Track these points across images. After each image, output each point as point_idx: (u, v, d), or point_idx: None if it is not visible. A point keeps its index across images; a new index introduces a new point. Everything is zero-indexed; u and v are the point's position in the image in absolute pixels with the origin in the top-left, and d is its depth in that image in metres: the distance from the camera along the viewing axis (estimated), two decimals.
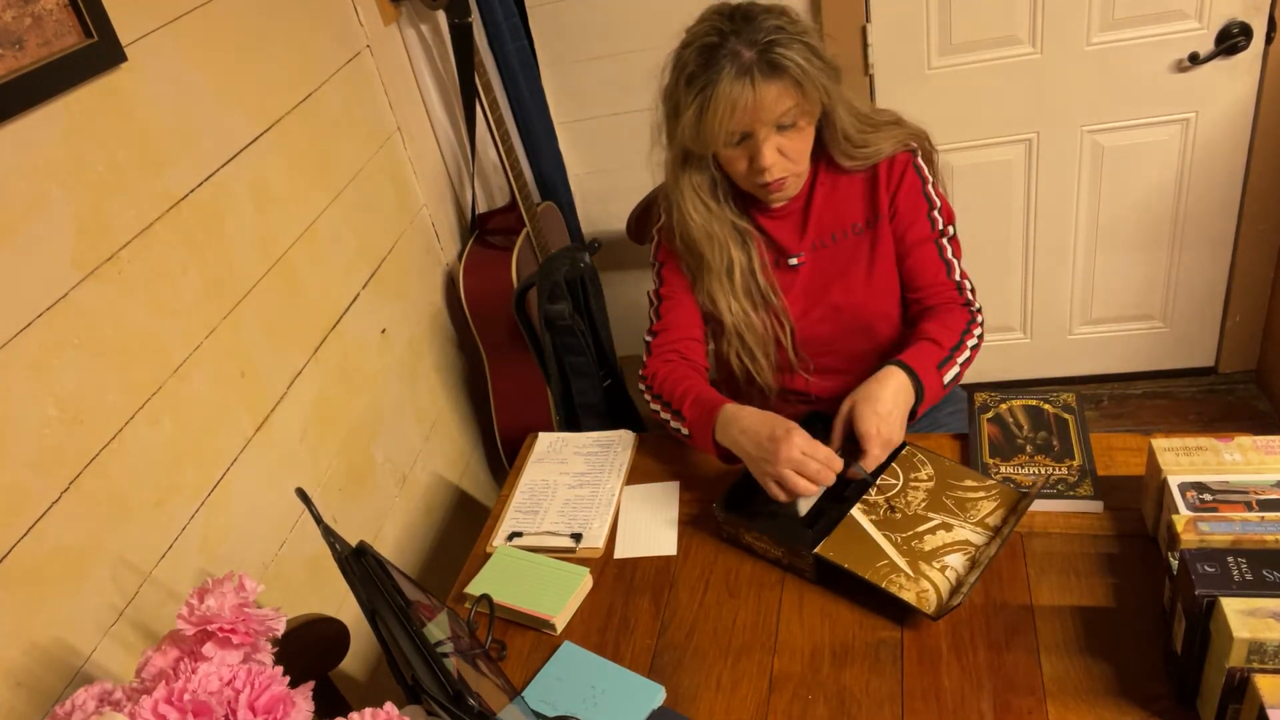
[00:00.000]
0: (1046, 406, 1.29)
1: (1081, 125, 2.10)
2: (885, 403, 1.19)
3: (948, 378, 1.28)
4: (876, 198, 1.36)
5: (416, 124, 1.97)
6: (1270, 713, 0.78)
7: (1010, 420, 1.28)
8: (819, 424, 1.33)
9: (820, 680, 1.03)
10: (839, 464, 1.15)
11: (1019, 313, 2.39)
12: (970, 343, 1.31)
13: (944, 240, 1.37)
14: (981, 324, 1.35)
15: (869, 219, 1.37)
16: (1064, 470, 1.18)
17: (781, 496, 1.16)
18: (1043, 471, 1.19)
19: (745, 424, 1.21)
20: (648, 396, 1.41)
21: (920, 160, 1.36)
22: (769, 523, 1.19)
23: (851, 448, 1.20)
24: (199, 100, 1.33)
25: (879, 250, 1.38)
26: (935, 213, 1.36)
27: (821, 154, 1.36)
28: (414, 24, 1.98)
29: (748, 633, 1.10)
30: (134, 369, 1.18)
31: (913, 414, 1.24)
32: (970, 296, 1.37)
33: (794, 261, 1.39)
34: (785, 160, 1.26)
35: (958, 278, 1.37)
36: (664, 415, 1.37)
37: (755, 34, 1.18)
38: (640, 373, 1.44)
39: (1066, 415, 1.27)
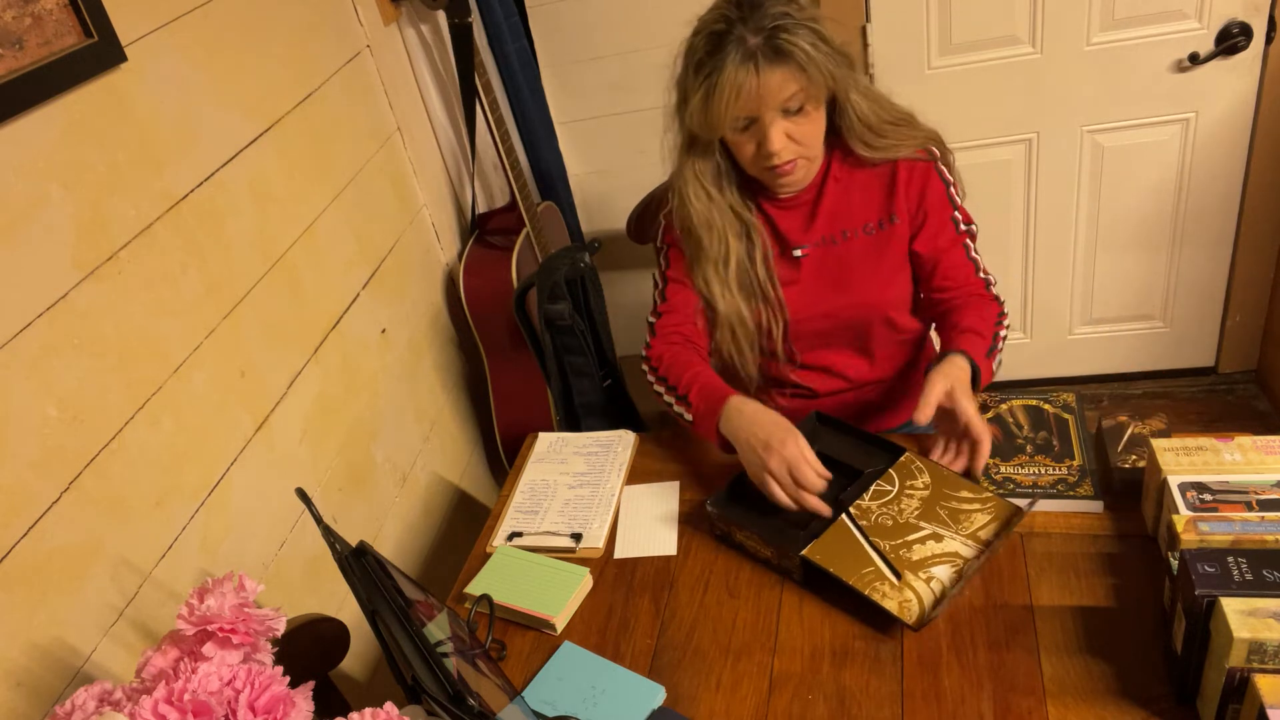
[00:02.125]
0: (1046, 406, 1.29)
1: (1081, 125, 2.10)
2: (969, 397, 1.20)
3: (994, 365, 1.30)
4: (894, 199, 1.36)
5: (416, 124, 1.97)
6: (1270, 713, 0.78)
7: (1010, 420, 1.28)
8: (824, 425, 1.33)
9: (820, 680, 1.03)
10: (820, 485, 1.16)
11: (1019, 312, 2.39)
12: (1002, 333, 1.35)
13: (969, 240, 1.39)
14: (1008, 315, 1.37)
15: (883, 219, 1.37)
16: (1064, 470, 1.18)
17: (778, 500, 1.18)
18: (1044, 471, 1.19)
19: (748, 420, 1.23)
20: (651, 378, 1.42)
21: (941, 165, 1.38)
22: (760, 522, 1.19)
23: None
24: (198, 100, 1.33)
25: (890, 252, 1.38)
26: (958, 214, 1.38)
27: (837, 145, 1.35)
28: (414, 24, 1.98)
29: (748, 633, 1.10)
30: (134, 369, 1.18)
31: None
32: (995, 291, 1.40)
33: (798, 253, 1.39)
34: (794, 144, 1.27)
35: (984, 274, 1.40)
36: (668, 399, 1.38)
37: (761, 20, 1.20)
38: (643, 353, 1.45)
39: (1066, 415, 1.27)
